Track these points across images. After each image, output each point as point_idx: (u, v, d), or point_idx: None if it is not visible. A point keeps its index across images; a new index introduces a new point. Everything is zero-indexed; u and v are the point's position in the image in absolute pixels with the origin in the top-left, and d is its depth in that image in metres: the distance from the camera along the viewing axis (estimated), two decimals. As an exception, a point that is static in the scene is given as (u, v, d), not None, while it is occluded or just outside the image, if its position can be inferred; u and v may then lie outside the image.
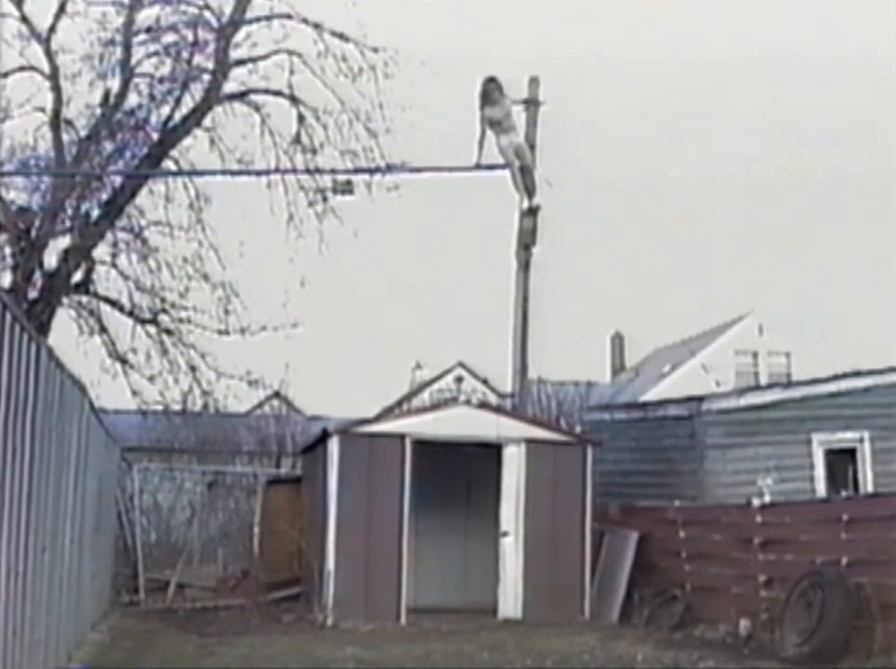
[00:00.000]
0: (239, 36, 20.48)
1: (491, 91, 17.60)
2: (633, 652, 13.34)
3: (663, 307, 43.03)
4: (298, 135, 20.64)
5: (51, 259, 20.02)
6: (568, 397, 27.89)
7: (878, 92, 44.59)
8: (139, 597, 19.45)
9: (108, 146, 20.42)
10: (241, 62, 20.60)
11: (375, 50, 20.04)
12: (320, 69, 20.29)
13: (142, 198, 20.82)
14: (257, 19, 20.54)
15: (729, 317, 36.53)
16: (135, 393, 21.32)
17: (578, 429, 19.49)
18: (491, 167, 18.21)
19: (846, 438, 18.03)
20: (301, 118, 20.64)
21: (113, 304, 21.05)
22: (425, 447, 16.54)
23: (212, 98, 20.42)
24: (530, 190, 18.36)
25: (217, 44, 20.35)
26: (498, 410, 19.34)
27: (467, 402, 23.86)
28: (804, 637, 12.41)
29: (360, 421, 17.93)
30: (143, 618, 17.40)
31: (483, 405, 20.84)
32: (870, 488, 17.47)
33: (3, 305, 6.93)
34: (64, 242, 20.20)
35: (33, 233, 19.74)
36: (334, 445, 16.56)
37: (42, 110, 20.19)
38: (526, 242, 18.65)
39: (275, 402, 30.86)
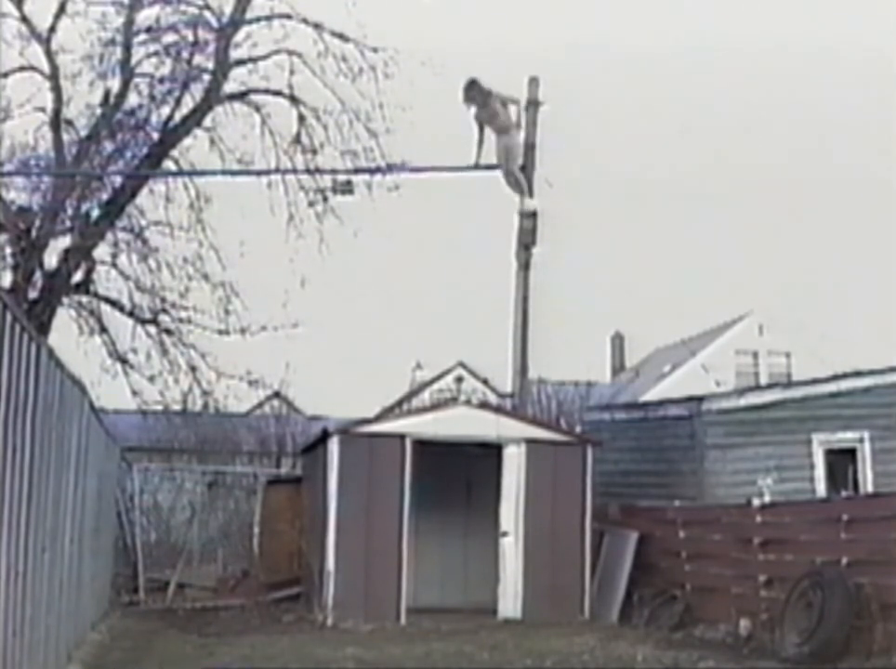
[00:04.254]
0: (239, 36, 20.51)
1: (472, 96, 17.60)
2: (633, 652, 13.33)
3: (663, 307, 42.93)
4: (298, 135, 20.66)
5: (51, 259, 20.06)
6: (568, 397, 27.90)
7: (880, 91, 44.59)
8: (139, 597, 19.45)
9: (108, 146, 20.44)
10: (241, 62, 20.61)
11: (375, 50, 20.06)
12: (320, 69, 20.33)
13: (142, 198, 20.88)
14: (257, 19, 20.56)
15: (729, 317, 36.50)
16: (135, 393, 21.34)
17: (578, 429, 19.48)
18: (490, 167, 18.26)
19: (846, 438, 18.04)
20: (301, 118, 20.65)
21: (113, 304, 21.05)
22: (425, 447, 16.54)
23: (212, 98, 20.43)
24: (522, 192, 18.38)
25: (217, 44, 20.36)
26: (498, 410, 19.33)
27: (467, 402, 23.89)
28: (804, 637, 12.40)
29: (360, 421, 17.93)
30: (143, 618, 17.40)
31: (483, 405, 20.86)
32: (870, 488, 17.48)
33: (3, 305, 6.92)
34: (64, 242, 20.23)
35: (33, 233, 19.75)
36: (334, 445, 16.56)
37: (42, 110, 20.21)
38: (526, 242, 18.66)
39: (275, 402, 30.85)
